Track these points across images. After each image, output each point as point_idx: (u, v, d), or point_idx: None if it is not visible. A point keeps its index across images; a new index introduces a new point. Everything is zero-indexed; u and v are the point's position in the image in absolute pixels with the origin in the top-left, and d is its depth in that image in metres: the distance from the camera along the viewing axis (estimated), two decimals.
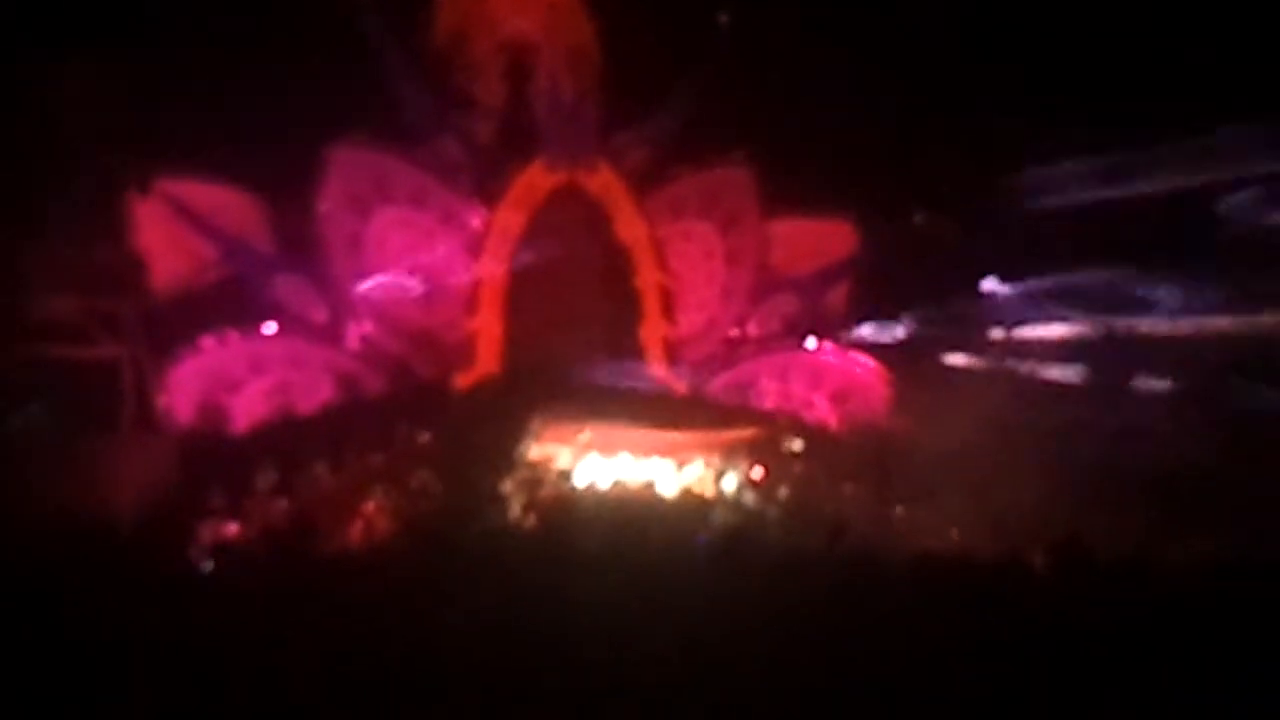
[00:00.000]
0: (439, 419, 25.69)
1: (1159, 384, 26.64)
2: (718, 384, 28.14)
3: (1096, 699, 8.18)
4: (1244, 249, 25.71)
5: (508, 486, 23.17)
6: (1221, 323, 26.05)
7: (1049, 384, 27.70)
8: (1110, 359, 27.22)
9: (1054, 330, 27.94)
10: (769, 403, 27.87)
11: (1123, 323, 27.25)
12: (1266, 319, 25.37)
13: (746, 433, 26.26)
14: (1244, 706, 7.98)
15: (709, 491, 24.80)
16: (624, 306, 28.06)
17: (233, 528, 21.47)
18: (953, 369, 28.11)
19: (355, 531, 21.88)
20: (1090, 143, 26.47)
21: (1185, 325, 26.45)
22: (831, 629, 9.13)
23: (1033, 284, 28.12)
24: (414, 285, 27.42)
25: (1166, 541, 17.26)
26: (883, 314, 28.64)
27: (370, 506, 22.76)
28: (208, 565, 17.58)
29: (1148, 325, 26.95)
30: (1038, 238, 27.40)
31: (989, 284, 28.26)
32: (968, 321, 28.37)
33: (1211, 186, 26.15)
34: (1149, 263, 27.07)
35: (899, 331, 28.56)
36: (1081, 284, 27.62)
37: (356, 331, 27.55)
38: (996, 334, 28.30)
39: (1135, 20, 26.08)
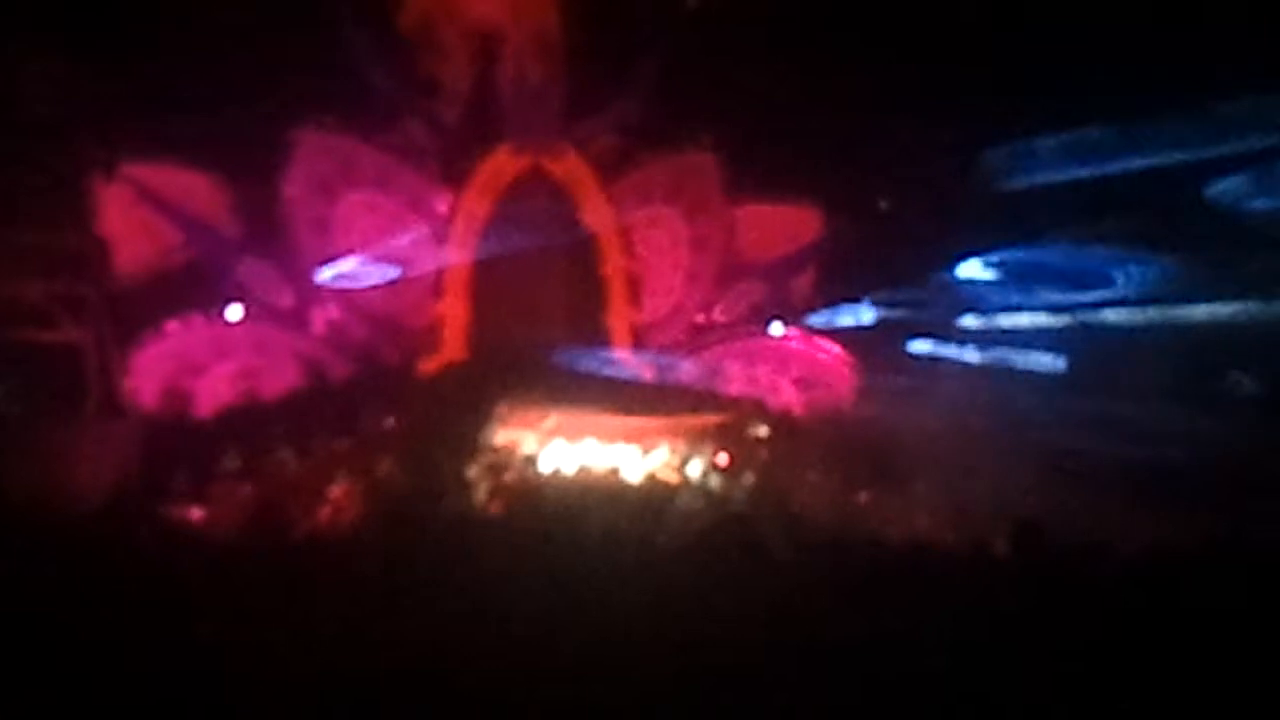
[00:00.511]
0: (405, 405, 25.73)
1: (1130, 371, 26.68)
2: (684, 370, 28.06)
3: (1050, 677, 8.13)
4: (1226, 230, 25.75)
5: (473, 472, 23.25)
6: (1198, 309, 26.18)
7: (1018, 371, 27.91)
8: (1080, 346, 27.30)
9: (1023, 317, 28.03)
10: (735, 388, 27.81)
11: (1095, 308, 27.30)
12: (1244, 304, 25.34)
13: (712, 418, 26.30)
14: (1197, 688, 8.04)
15: (674, 477, 24.88)
16: (590, 292, 28.10)
17: (197, 512, 21.46)
18: (919, 356, 28.23)
19: (321, 516, 21.88)
20: (1064, 119, 26.42)
21: (1159, 310, 26.54)
22: (792, 612, 9.19)
23: (1002, 268, 28.18)
24: (380, 270, 27.42)
25: (1128, 527, 17.18)
26: (849, 300, 28.61)
27: (336, 491, 22.80)
28: (171, 550, 17.64)
29: (1120, 311, 27.00)
30: (1008, 219, 27.53)
31: (958, 268, 28.31)
32: (936, 307, 28.47)
33: (1191, 165, 25.76)
34: (1123, 244, 27.15)
35: (865, 317, 28.54)
36: (1053, 267, 27.78)
37: (322, 316, 27.65)
38: (965, 320, 28.34)
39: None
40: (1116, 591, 10.05)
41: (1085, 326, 27.37)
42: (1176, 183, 25.69)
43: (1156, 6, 25.23)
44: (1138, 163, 25.77)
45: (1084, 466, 22.21)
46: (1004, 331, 28.30)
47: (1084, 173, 26.21)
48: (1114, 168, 25.87)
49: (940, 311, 28.41)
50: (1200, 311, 25.88)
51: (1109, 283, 27.30)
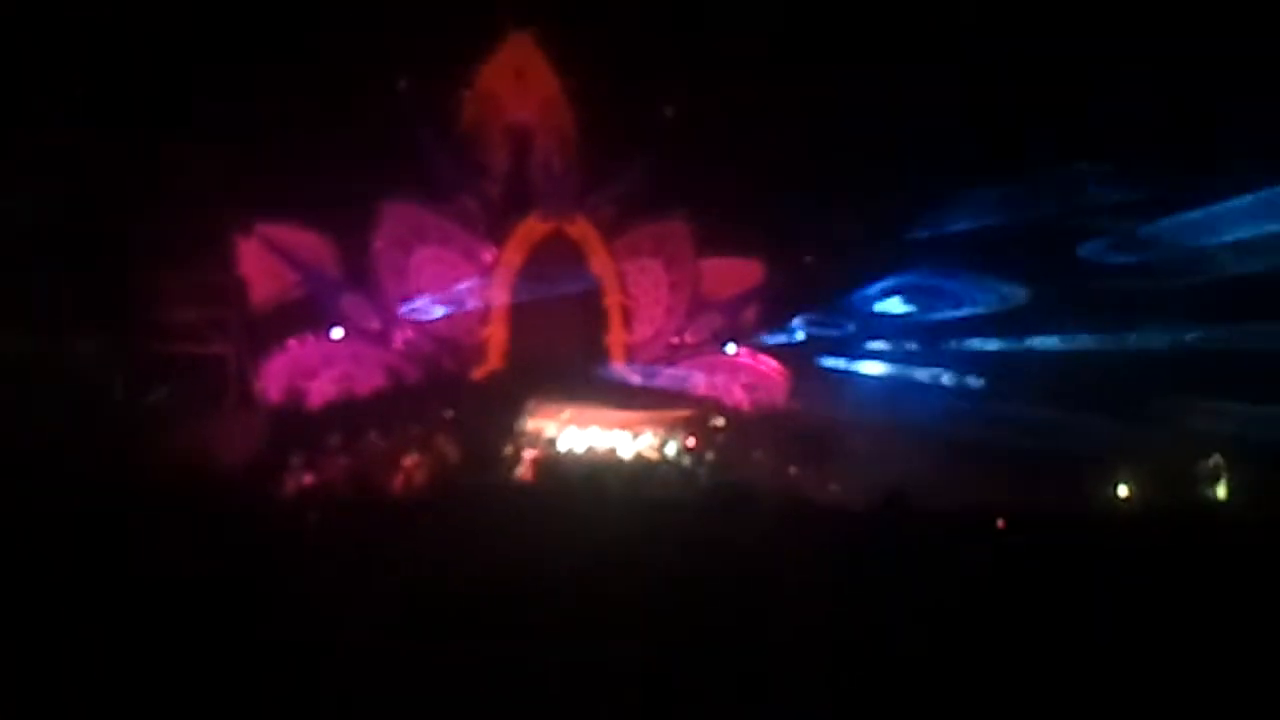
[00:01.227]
0: (459, 401, 25.92)
1: (995, 379, 26.84)
2: (662, 377, 28.06)
3: (922, 599, 8.09)
4: (1085, 270, 25.43)
5: (509, 449, 23.43)
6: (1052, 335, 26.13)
7: (906, 379, 27.98)
8: (954, 360, 27.47)
9: (911, 339, 28.21)
10: (699, 391, 27.79)
11: (968, 331, 27.36)
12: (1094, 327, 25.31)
13: (683, 413, 26.49)
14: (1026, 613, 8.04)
15: (655, 454, 25.10)
16: (595, 320, 28.11)
17: (308, 477, 21.46)
18: (831, 368, 28.29)
19: (397, 482, 21.92)
20: (948, 182, 26.03)
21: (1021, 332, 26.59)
22: (733, 544, 9.43)
23: (894, 301, 28.20)
24: (442, 304, 27.48)
25: (984, 495, 17.04)
26: (781, 327, 28.60)
27: (409, 463, 22.81)
28: (289, 505, 17.70)
29: (989, 331, 27.01)
30: (899, 266, 27.49)
31: (860, 303, 28.32)
32: (843, 332, 28.53)
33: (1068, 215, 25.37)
34: (994, 276, 27.15)
35: (793, 339, 28.56)
36: (935, 300, 27.71)
37: (400, 336, 27.62)
38: (865, 341, 28.42)
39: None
40: (965, 541, 10.21)
41: (959, 344, 27.25)
42: (1041, 232, 25.26)
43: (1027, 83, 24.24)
44: (1009, 215, 25.36)
45: (953, 450, 21.92)
46: (895, 349, 28.34)
47: (966, 225, 25.86)
48: (989, 219, 25.55)
49: (846, 335, 28.42)
50: (1054, 334, 25.91)
51: (980, 308, 27.06)
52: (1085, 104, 23.74)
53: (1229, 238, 22.79)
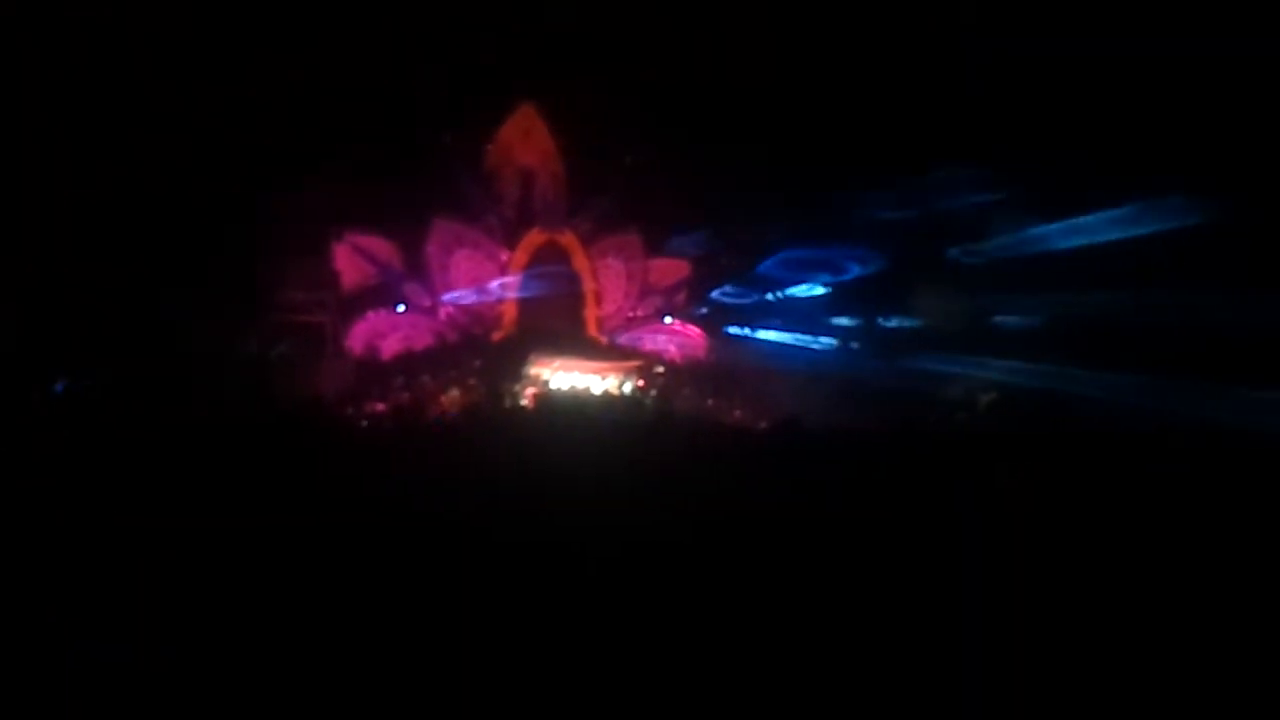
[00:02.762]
0: (484, 355, 26.00)
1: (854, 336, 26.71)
2: (622, 339, 28.17)
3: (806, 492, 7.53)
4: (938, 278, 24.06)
5: (517, 387, 23.50)
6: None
7: (786, 340, 27.64)
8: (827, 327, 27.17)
9: (794, 314, 27.94)
10: (646, 349, 27.88)
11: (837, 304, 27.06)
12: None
13: (635, 363, 26.51)
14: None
15: (616, 390, 25.16)
16: (577, 301, 28.02)
17: (380, 406, 21.57)
18: (734, 334, 28.47)
19: (441, 407, 22.06)
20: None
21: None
22: (667, 451, 9.63)
23: (780, 286, 28.18)
24: (473, 289, 27.41)
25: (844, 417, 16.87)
26: (701, 305, 28.67)
27: (448, 398, 22.97)
28: (365, 423, 17.82)
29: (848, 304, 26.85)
30: (787, 267, 27.39)
31: (755, 289, 28.32)
32: (743, 308, 28.45)
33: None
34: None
35: (708, 314, 28.60)
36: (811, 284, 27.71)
37: (444, 311, 27.40)
38: (758, 314, 28.38)
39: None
40: (833, 450, 10.35)
41: (826, 314, 27.22)
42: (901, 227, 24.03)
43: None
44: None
45: (823, 389, 21.45)
46: (780, 319, 28.15)
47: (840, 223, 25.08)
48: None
49: (745, 309, 28.43)
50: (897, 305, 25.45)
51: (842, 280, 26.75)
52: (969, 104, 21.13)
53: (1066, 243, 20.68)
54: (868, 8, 22.54)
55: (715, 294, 28.40)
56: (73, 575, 5.41)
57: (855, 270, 26.10)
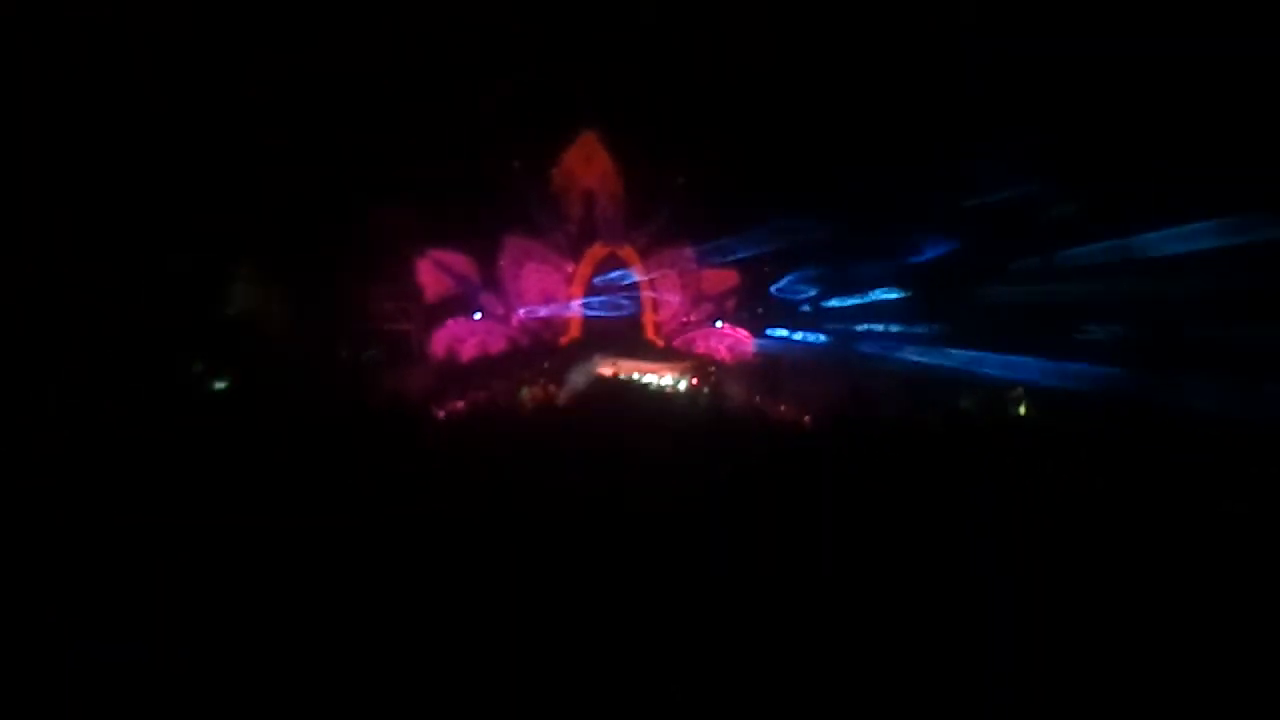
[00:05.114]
0: (553, 357, 26.32)
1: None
2: (676, 342, 28.15)
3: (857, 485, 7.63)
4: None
5: (584, 385, 23.63)
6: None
7: (824, 343, 27.23)
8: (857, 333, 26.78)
9: (832, 318, 27.62)
10: (699, 350, 27.85)
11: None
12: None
13: (689, 363, 26.65)
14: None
15: (673, 387, 25.35)
16: (636, 306, 28.07)
17: (460, 404, 21.76)
18: (776, 335, 28.24)
19: (515, 406, 22.23)
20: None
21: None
22: (723, 440, 9.73)
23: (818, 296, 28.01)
24: (543, 298, 27.55)
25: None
26: (747, 311, 28.53)
27: (523, 395, 23.17)
28: (445, 418, 18.00)
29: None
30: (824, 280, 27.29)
31: (797, 297, 28.15)
32: (786, 314, 28.22)
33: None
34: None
35: (755, 318, 28.36)
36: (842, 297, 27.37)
37: (517, 318, 27.58)
38: (798, 319, 28.09)
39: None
40: (881, 441, 10.38)
41: (866, 322, 26.69)
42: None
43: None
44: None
45: (864, 385, 21.08)
46: (820, 324, 27.82)
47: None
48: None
49: (787, 316, 28.22)
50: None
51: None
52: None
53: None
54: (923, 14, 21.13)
55: (762, 301, 28.23)
56: (152, 571, 5.21)
57: (903, 275, 25.50)
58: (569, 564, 5.48)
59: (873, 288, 26.22)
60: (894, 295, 25.64)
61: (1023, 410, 20.63)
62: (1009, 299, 21.59)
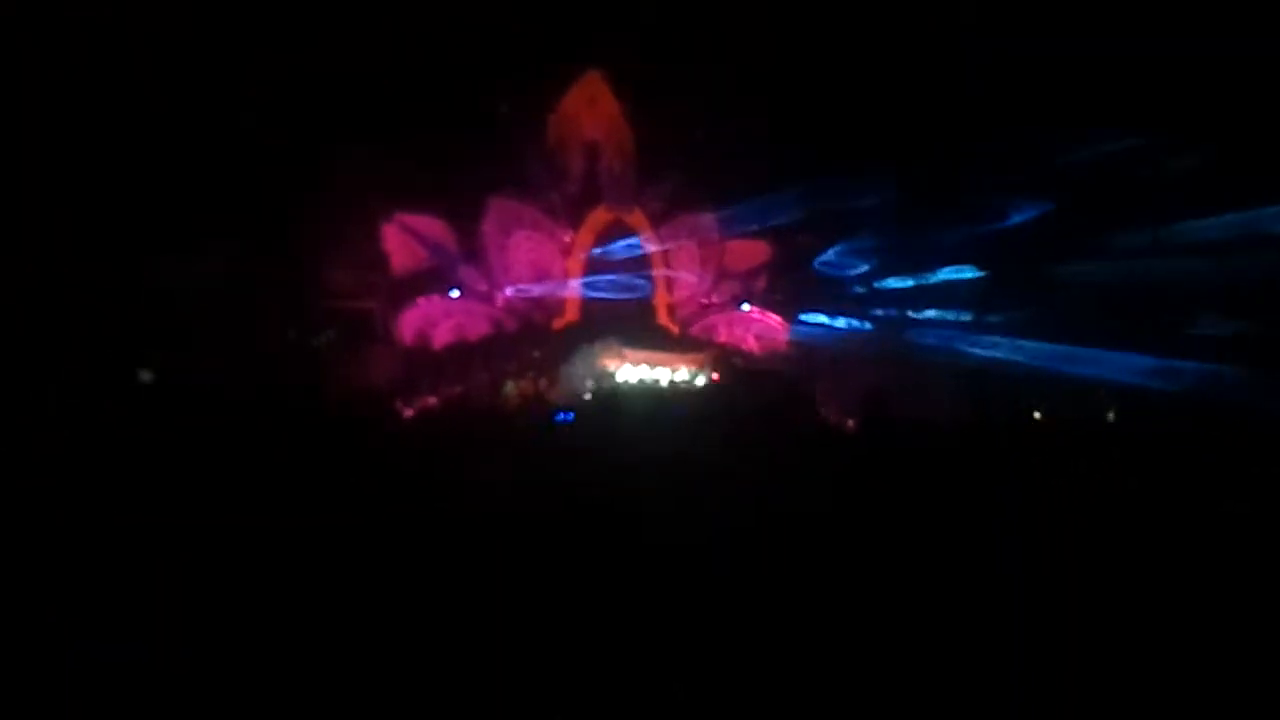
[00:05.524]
0: (544, 345, 26.26)
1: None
2: (694, 328, 28.04)
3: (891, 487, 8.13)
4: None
5: (580, 380, 23.58)
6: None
7: (859, 329, 27.74)
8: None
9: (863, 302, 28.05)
10: (722, 338, 27.77)
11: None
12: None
13: (709, 354, 26.49)
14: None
15: (689, 384, 25.29)
16: (645, 285, 27.96)
17: (432, 400, 21.70)
18: (810, 321, 28.15)
19: (497, 402, 22.17)
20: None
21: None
22: (743, 436, 9.65)
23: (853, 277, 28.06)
24: (533, 272, 27.49)
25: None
26: (780, 291, 28.32)
27: (508, 390, 23.11)
28: (414, 415, 17.98)
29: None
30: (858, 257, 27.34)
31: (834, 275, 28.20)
32: (822, 296, 28.22)
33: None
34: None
35: (787, 300, 28.28)
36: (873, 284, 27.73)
37: (502, 296, 27.49)
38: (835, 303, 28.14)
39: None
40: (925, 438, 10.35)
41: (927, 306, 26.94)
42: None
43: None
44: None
45: (913, 381, 20.74)
46: (872, 307, 27.89)
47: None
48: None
49: (830, 298, 28.06)
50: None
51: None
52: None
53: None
54: None
55: (800, 280, 28.03)
56: (89, 575, 5.82)
57: (979, 249, 25.68)
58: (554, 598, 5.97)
59: (939, 265, 26.18)
60: (965, 275, 25.65)
61: (1111, 416, 20.74)
62: (1108, 280, 21.58)
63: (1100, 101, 20.11)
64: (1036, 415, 21.05)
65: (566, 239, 27.70)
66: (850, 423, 20.07)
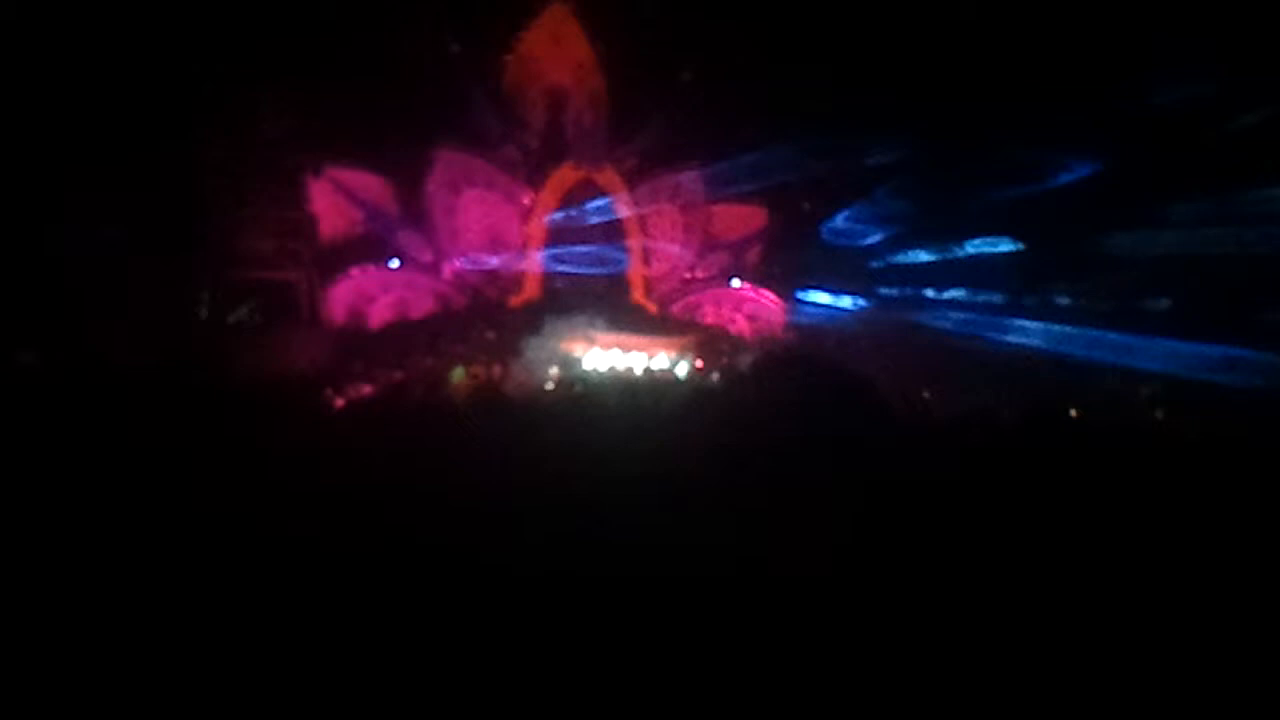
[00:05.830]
0: (500, 326, 26.36)
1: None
2: (676, 307, 28.22)
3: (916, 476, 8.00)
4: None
5: (540, 369, 23.56)
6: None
7: (859, 310, 28.26)
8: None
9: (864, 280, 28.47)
10: (708, 320, 28.00)
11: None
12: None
13: (693, 338, 26.49)
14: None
15: (668, 374, 25.08)
16: (619, 257, 28.13)
17: (366, 388, 21.51)
18: (812, 301, 28.48)
19: (442, 392, 21.91)
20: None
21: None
22: (723, 435, 9.36)
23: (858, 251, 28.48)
24: (486, 240, 27.71)
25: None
26: (777, 265, 28.49)
27: (456, 378, 23.14)
28: (346, 407, 17.76)
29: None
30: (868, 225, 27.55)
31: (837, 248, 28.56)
32: (822, 272, 28.65)
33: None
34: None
35: (785, 276, 28.64)
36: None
37: (450, 268, 27.61)
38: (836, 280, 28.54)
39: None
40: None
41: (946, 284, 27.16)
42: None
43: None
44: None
45: (927, 368, 21.44)
46: (883, 284, 28.05)
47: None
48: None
49: (835, 273, 28.21)
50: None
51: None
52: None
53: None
54: None
55: (799, 252, 28.16)
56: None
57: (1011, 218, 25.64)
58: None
59: (968, 236, 26.18)
60: (999, 248, 25.71)
61: (1160, 415, 20.84)
62: (1168, 254, 21.39)
63: (1163, 35, 19.80)
64: (1073, 413, 21.06)
65: (526, 201, 27.73)
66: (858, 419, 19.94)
